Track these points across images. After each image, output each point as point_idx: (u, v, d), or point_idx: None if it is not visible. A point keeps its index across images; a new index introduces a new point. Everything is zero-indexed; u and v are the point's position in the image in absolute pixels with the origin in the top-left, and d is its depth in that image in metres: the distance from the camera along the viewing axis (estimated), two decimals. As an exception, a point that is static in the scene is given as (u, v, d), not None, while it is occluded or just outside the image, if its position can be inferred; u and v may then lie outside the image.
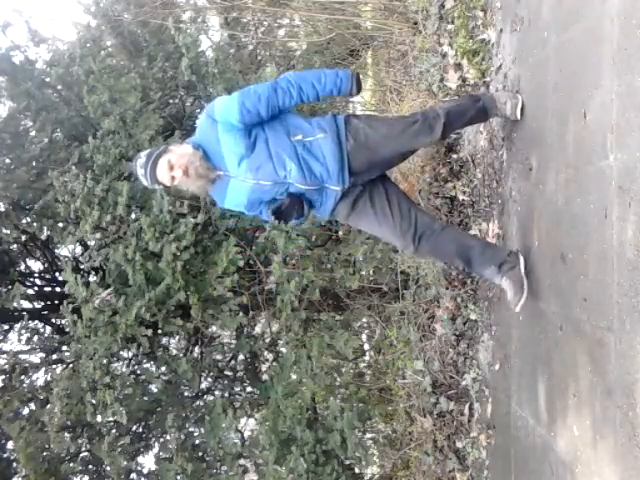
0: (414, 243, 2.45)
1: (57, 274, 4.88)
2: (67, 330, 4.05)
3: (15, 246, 4.71)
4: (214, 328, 4.66)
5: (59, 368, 4.47)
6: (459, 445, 3.47)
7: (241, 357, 5.04)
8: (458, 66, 3.46)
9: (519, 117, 2.61)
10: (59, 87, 4.39)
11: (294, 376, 4.08)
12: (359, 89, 2.42)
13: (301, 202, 2.40)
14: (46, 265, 4.93)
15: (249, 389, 5.02)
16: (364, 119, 2.50)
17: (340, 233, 4.58)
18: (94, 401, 3.75)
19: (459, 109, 2.60)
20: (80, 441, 4.22)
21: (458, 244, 2.50)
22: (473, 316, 3.42)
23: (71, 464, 4.20)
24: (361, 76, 2.31)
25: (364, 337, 5.49)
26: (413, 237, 2.45)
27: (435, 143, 3.01)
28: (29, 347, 4.62)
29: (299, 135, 2.37)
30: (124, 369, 4.43)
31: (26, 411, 4.14)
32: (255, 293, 4.18)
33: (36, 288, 4.87)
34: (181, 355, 4.62)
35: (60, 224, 4.28)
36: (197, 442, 4.34)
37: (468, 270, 2.72)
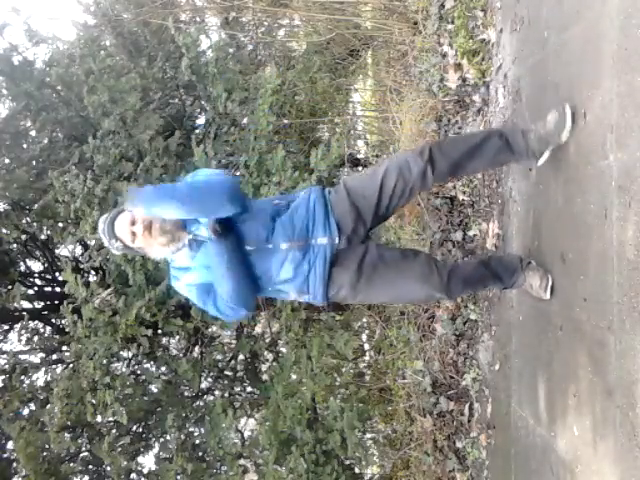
0: (442, 280, 2.17)
1: (57, 274, 4.87)
2: (67, 330, 4.04)
3: (15, 246, 4.70)
4: (214, 328, 4.65)
5: (59, 368, 4.46)
6: (459, 445, 3.47)
7: (241, 357, 5.03)
8: (458, 66, 3.46)
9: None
10: (59, 87, 4.38)
11: (294, 376, 4.08)
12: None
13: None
14: (46, 265, 4.92)
15: (249, 389, 5.01)
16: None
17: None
18: (94, 401, 3.75)
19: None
20: (80, 441, 4.22)
21: (479, 263, 2.38)
22: (473, 316, 3.42)
23: (71, 464, 4.19)
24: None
25: (364, 337, 5.48)
26: (440, 276, 2.18)
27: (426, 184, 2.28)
28: (29, 347, 4.62)
29: (276, 200, 2.21)
30: (124, 369, 4.42)
31: (26, 411, 4.13)
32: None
33: (36, 288, 4.87)
34: (181, 355, 4.62)
35: (60, 224, 4.27)
36: (197, 442, 4.34)
37: (502, 285, 2.41)
